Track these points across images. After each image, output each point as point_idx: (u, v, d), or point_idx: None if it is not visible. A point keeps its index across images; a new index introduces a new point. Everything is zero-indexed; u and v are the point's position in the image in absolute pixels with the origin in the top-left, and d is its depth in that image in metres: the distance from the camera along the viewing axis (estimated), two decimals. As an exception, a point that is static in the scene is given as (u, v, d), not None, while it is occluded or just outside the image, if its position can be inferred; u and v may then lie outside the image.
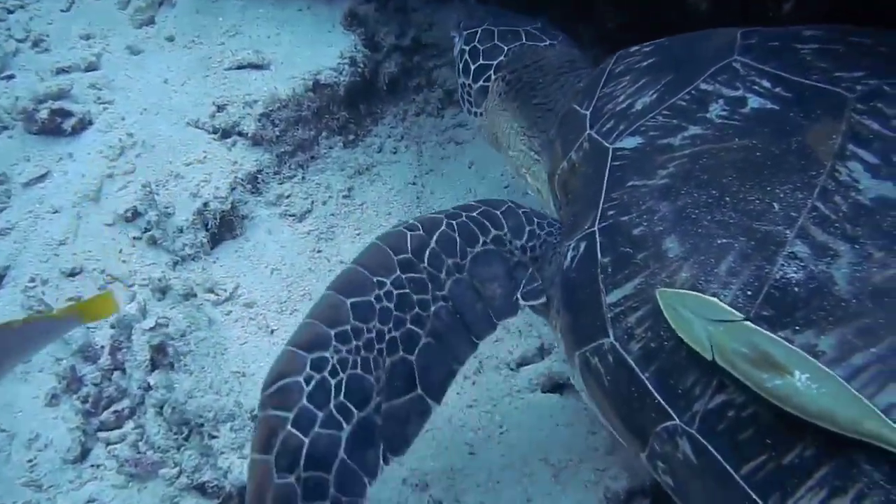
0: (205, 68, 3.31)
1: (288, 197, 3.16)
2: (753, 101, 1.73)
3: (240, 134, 3.14)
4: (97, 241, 2.96)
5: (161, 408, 2.58)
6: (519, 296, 2.03)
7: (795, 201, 1.54)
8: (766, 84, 1.75)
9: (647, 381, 1.61)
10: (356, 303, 1.89)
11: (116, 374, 2.70)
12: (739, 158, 1.65)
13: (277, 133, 3.12)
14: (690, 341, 1.49)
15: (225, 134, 3.15)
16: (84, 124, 3.23)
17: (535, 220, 2.13)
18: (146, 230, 2.97)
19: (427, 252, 1.99)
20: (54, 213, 3.02)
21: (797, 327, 1.43)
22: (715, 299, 1.49)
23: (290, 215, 3.14)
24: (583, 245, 1.82)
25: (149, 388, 2.62)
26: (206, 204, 2.99)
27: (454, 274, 2.00)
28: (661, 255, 1.63)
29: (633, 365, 1.64)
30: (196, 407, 2.49)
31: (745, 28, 1.97)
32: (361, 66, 3.34)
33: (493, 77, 2.69)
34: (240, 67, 3.28)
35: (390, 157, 3.43)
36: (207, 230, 3.01)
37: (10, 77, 3.42)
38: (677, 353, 1.55)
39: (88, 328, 2.77)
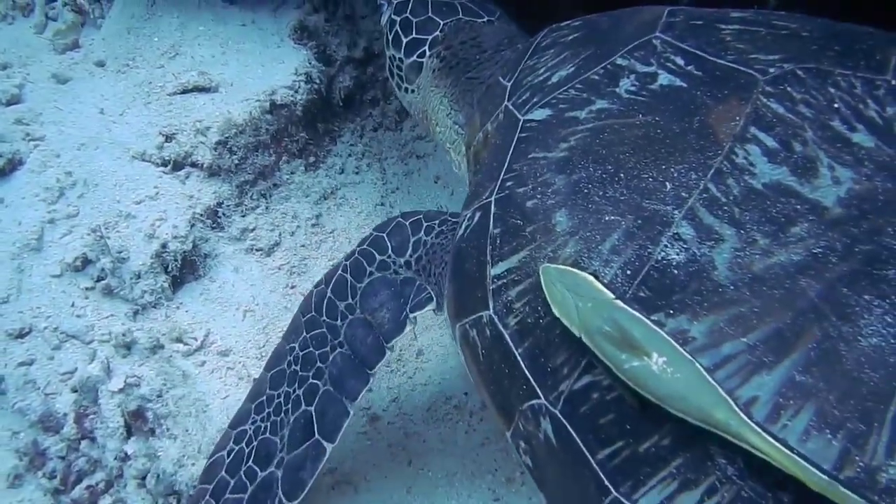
0: (145, 95, 3.05)
1: (253, 230, 2.94)
2: (663, 78, 1.70)
3: (193, 165, 2.91)
4: (45, 296, 2.69)
5: (143, 479, 2.36)
6: (407, 310, 2.18)
7: (688, 182, 1.50)
8: (680, 61, 1.71)
9: (519, 357, 1.60)
10: (274, 374, 2.28)
11: (84, 443, 2.47)
12: (640, 135, 1.61)
13: (236, 161, 2.90)
14: (561, 316, 1.46)
15: (176, 166, 2.91)
16: (14, 165, 2.93)
17: (425, 224, 2.25)
18: (99, 279, 2.71)
19: (325, 304, 2.27)
20: (-10, 267, 2.72)
21: (671, 311, 1.39)
22: (590, 277, 1.45)
23: (257, 250, 2.93)
24: (477, 215, 1.81)
25: (126, 457, 2.39)
26: (164, 245, 2.76)
27: (348, 316, 2.22)
28: (550, 229, 1.61)
29: (508, 339, 1.63)
30: (188, 477, 2.28)
31: (674, 6, 1.93)
32: (317, 82, 3.15)
33: (427, 53, 2.59)
34: (185, 92, 3.03)
35: (353, 177, 3.25)
36: (168, 273, 2.78)
37: (-83, 113, 3.08)
38: (551, 330, 1.53)
39: (47, 393, 2.51)
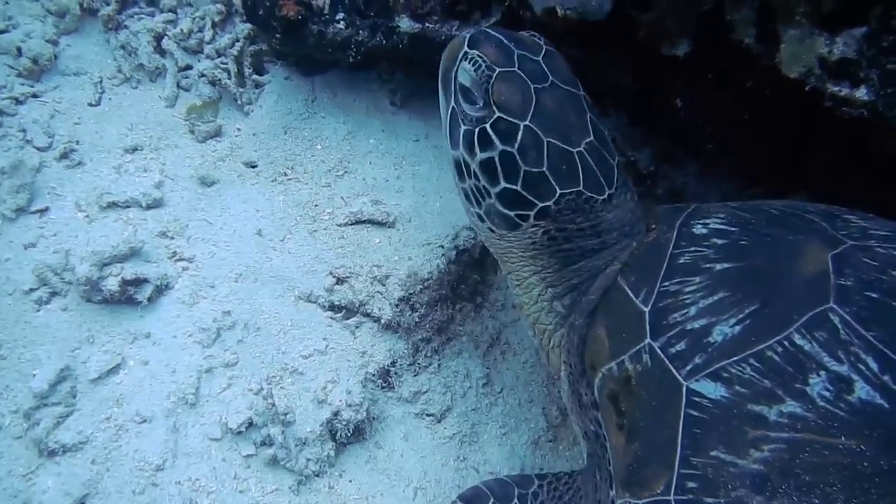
0: (310, 219, 2.79)
1: (425, 392, 2.75)
2: (861, 389, 1.63)
3: (366, 315, 2.68)
4: (205, 464, 2.51)
5: None
6: None
7: None
8: (873, 366, 1.65)
9: None
10: None
11: None
12: (846, 465, 1.56)
13: (416, 319, 2.69)
14: None
15: (348, 314, 2.68)
16: (160, 290, 2.66)
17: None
18: (263, 444, 2.51)
19: None
20: (142, 422, 2.49)
21: None
22: None
23: (428, 415, 2.74)
24: None
25: None
26: (336, 413, 2.57)
27: None
28: None
29: None
30: None
31: (835, 251, 1.87)
32: (496, 217, 2.90)
33: (532, 221, 2.11)
34: (357, 222, 2.76)
35: (513, 314, 3.05)
36: (335, 441, 2.57)
37: (44, 211, 2.77)
38: None
39: (209, 585, 2.34)
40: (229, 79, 3.00)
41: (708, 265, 1.95)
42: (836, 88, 2.35)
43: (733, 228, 2.06)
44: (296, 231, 2.78)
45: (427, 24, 2.60)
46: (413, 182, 2.91)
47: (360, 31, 2.62)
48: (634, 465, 1.81)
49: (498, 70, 2.06)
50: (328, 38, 2.63)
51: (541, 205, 2.08)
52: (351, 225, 2.78)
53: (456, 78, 2.14)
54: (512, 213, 2.12)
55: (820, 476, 1.56)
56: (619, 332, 1.99)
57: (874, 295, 1.77)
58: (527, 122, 2.05)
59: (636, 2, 2.58)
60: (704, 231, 2.07)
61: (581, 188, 2.07)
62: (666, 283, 1.95)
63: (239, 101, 3.00)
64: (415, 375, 2.75)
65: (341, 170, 2.90)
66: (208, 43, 3.07)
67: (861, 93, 2.32)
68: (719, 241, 2.01)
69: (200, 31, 3.07)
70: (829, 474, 1.56)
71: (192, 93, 3.08)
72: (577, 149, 2.08)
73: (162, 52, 3.08)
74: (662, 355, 1.84)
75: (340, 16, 2.62)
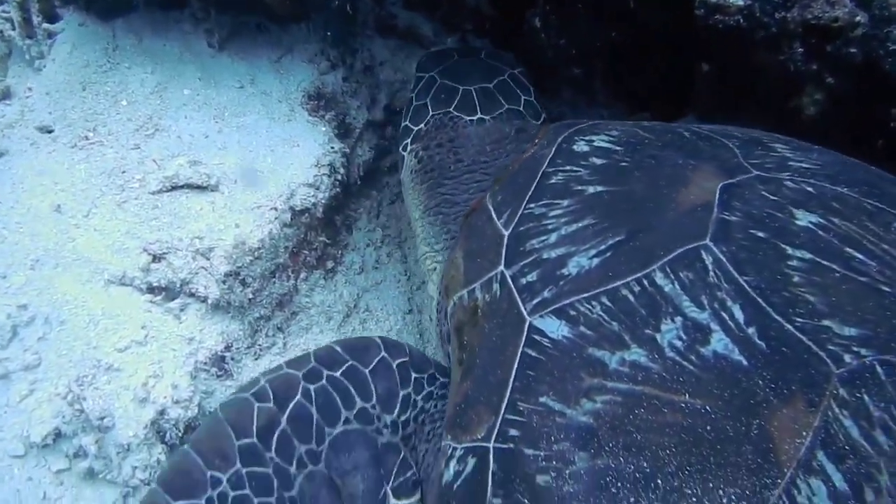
0: (118, 188, 2.42)
1: (269, 377, 2.41)
2: (718, 341, 1.43)
3: (192, 295, 2.33)
4: (7, 486, 2.17)
5: None
6: (388, 490, 1.83)
7: None
8: (739, 315, 1.45)
9: None
10: None
11: None
12: (686, 427, 1.38)
13: (250, 295, 2.35)
14: None
15: (169, 294, 2.34)
16: (-60, 288, 2.28)
17: (414, 376, 1.92)
18: (77, 456, 2.17)
19: (276, 435, 1.76)
20: (-73, 444, 2.14)
21: None
22: None
23: (274, 402, 2.41)
24: (471, 463, 1.56)
25: None
26: (162, 412, 2.24)
27: (307, 466, 1.77)
28: None
29: None
30: None
31: (730, 180, 1.64)
32: (341, 170, 2.56)
33: (409, 147, 2.40)
34: (174, 188, 2.40)
35: (375, 276, 2.79)
36: (165, 444, 2.25)
37: None
38: None
39: None
40: (13, 29, 2.58)
41: (580, 187, 1.74)
42: (708, -8, 2.12)
43: (618, 148, 1.83)
44: (102, 204, 2.41)
45: (228, -51, 2.22)
46: (238, 136, 2.54)
47: (151, -37, 2.23)
48: (463, 405, 1.64)
49: (433, 51, 2.57)
50: (112, -26, 2.24)
51: (415, 129, 2.38)
52: (166, 192, 2.42)
53: None
54: (400, 147, 2.41)
55: (653, 436, 1.38)
56: (476, 256, 1.82)
57: (760, 234, 1.54)
58: (433, 73, 2.43)
59: None
60: (586, 149, 1.86)
61: (450, 109, 2.32)
62: (532, 205, 1.76)
63: (28, 56, 2.59)
64: (256, 359, 2.44)
65: (151, 128, 2.51)
66: (-14, -12, 2.64)
67: (736, -5, 2.09)
68: (598, 161, 1.79)
69: (-25, -27, 2.64)
70: (663, 435, 1.37)
71: (-24, 50, 2.66)
72: (465, 87, 2.36)
73: (-69, 3, 2.65)
74: (512, 285, 1.67)
75: (126, -55, 2.22)
